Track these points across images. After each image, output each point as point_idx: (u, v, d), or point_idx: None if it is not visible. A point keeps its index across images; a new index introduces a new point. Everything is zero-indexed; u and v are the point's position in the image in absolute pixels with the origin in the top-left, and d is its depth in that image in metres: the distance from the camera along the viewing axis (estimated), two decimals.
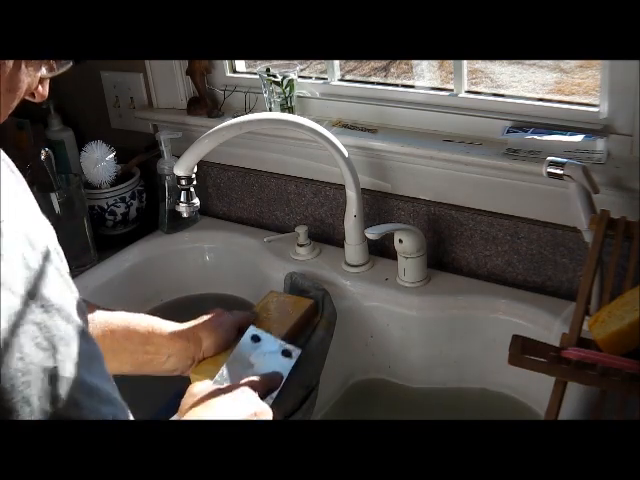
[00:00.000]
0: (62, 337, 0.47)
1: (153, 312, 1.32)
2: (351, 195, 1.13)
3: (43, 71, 0.58)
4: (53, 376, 0.46)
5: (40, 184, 1.29)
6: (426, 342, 1.12)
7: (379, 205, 1.22)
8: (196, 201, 1.04)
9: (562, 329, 0.91)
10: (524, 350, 0.78)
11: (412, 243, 1.09)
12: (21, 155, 1.51)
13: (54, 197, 1.25)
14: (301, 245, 1.23)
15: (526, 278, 1.11)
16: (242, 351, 0.87)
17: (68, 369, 0.47)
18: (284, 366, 0.85)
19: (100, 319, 0.85)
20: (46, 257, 0.49)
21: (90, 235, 1.31)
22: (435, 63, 1.75)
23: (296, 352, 0.87)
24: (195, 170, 1.01)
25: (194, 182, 1.02)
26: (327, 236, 1.30)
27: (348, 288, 1.16)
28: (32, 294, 0.46)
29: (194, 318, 0.94)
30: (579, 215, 0.92)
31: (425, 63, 1.74)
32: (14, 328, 0.44)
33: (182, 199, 1.03)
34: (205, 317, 0.92)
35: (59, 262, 0.51)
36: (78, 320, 0.50)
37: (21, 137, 1.55)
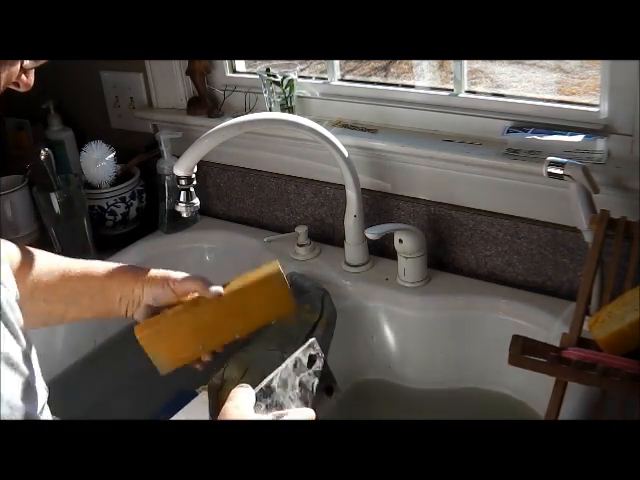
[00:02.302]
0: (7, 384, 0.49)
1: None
2: (351, 195, 1.13)
3: (26, 61, 0.57)
4: None
5: (40, 184, 1.29)
6: (426, 342, 1.12)
7: (379, 205, 1.22)
8: (196, 201, 1.04)
9: (562, 329, 0.91)
10: (524, 350, 0.78)
11: (412, 243, 1.09)
12: (21, 155, 1.51)
13: (54, 197, 1.25)
14: (301, 245, 1.23)
15: (526, 278, 1.11)
16: (294, 368, 0.80)
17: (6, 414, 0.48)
18: (321, 404, 0.79)
19: (59, 267, 0.89)
20: None
21: (90, 235, 1.31)
22: (435, 63, 1.75)
23: (337, 394, 0.81)
24: (195, 170, 1.01)
25: (194, 182, 1.02)
26: (327, 236, 1.30)
27: (348, 288, 1.16)
28: None
29: None
30: (579, 215, 0.92)
31: (425, 63, 1.74)
32: None
33: (182, 199, 1.03)
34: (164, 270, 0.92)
35: (9, 314, 0.52)
36: (24, 369, 0.51)
37: (21, 137, 1.55)
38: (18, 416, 0.50)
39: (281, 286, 0.89)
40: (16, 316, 0.53)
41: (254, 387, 0.76)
